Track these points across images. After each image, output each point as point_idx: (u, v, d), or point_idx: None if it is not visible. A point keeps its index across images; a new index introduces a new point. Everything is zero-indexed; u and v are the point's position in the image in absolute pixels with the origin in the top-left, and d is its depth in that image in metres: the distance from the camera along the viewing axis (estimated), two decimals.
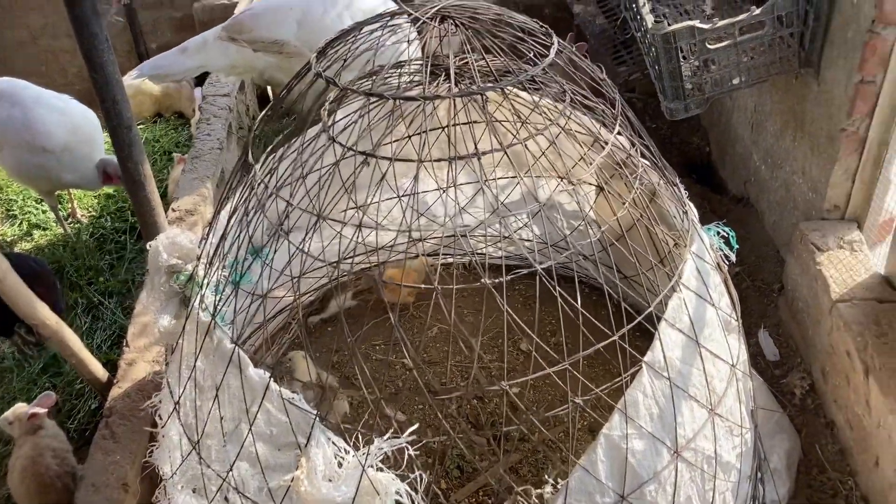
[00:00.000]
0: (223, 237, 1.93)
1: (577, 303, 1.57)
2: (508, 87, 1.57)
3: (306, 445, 1.55)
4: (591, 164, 1.89)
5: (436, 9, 1.63)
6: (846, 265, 2.58)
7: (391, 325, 2.97)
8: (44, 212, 3.93)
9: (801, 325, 2.75)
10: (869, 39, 2.42)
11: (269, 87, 4.58)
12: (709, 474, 1.67)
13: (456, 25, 1.61)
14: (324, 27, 3.37)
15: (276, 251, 2.16)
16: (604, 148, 1.93)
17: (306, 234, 1.73)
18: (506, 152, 1.55)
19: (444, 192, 2.42)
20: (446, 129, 1.56)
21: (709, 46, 2.65)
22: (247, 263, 2.06)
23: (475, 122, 1.92)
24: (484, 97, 1.58)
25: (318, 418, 1.56)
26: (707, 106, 2.85)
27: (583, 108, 1.85)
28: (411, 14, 1.62)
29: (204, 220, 3.06)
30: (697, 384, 1.65)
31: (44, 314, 2.22)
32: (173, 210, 3.04)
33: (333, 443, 1.55)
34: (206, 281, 1.87)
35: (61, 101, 3.53)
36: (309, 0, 3.46)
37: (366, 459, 1.50)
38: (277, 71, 3.55)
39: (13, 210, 4.05)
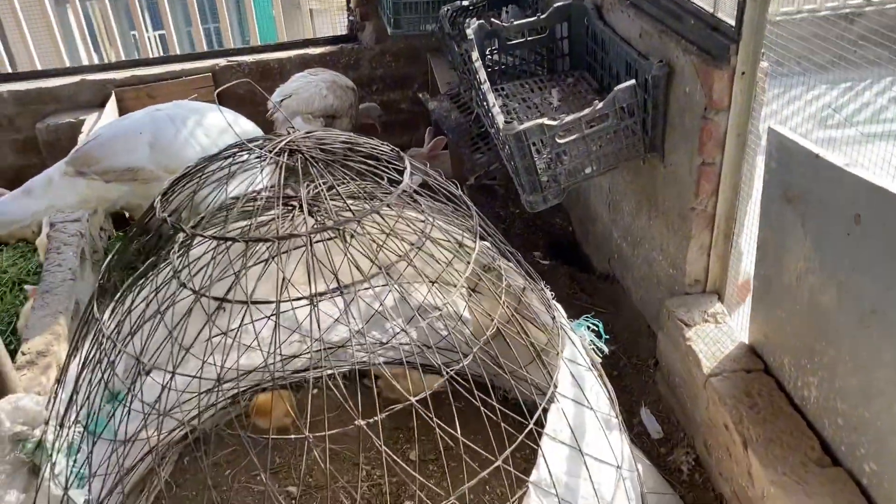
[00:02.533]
0: (75, 391, 1.79)
1: (457, 428, 1.53)
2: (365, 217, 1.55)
3: None
4: (457, 269, 1.90)
5: (284, 142, 1.59)
6: (713, 338, 2.67)
7: (271, 449, 2.84)
8: None
9: (680, 399, 2.81)
10: (704, 125, 2.58)
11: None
12: None
13: (306, 159, 1.57)
14: (177, 147, 3.29)
15: (133, 395, 2.03)
16: (467, 261, 1.94)
17: (163, 385, 1.61)
18: (368, 280, 1.51)
19: (313, 307, 2.35)
20: (307, 260, 1.51)
21: (559, 141, 2.74)
22: (105, 411, 1.91)
23: (332, 238, 1.89)
24: (342, 230, 1.55)
25: None
26: (564, 196, 2.93)
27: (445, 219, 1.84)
28: (256, 151, 1.58)
29: (58, 360, 2.84)
30: (586, 494, 1.63)
31: None
32: (23, 353, 2.81)
33: None
34: (57, 445, 1.71)
35: None
36: (157, 122, 3.37)
37: None
38: (133, 197, 3.42)
39: None
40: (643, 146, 2.87)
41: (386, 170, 1.65)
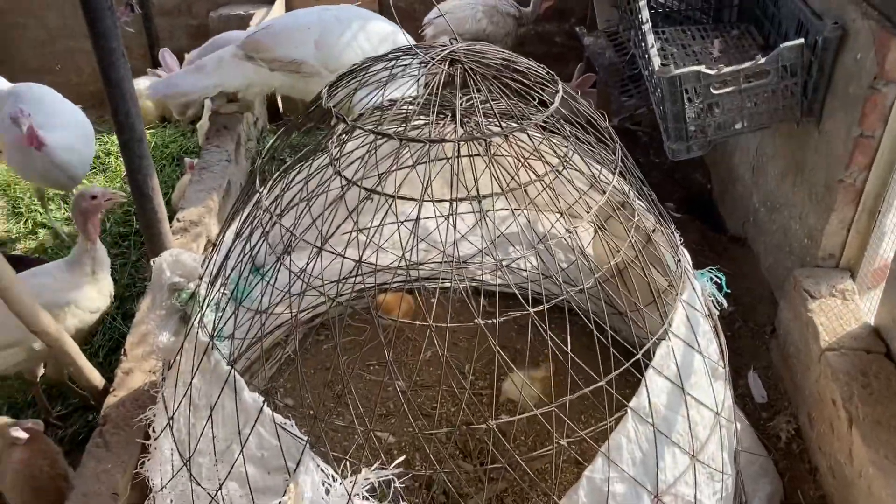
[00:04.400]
0: (227, 257, 1.97)
1: (567, 343, 1.61)
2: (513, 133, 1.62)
3: (295, 471, 1.59)
4: (589, 204, 1.95)
5: (446, 51, 1.67)
6: (837, 314, 2.61)
7: (385, 345, 3.02)
8: (49, 210, 3.98)
9: (791, 369, 2.79)
10: (870, 95, 2.47)
11: (278, 97, 4.63)
12: None
13: (465, 70, 1.65)
14: (340, 48, 3.43)
15: (278, 270, 2.21)
16: (603, 190, 1.98)
17: (308, 260, 1.77)
18: (506, 195, 1.59)
19: (445, 219, 2.47)
20: (450, 166, 1.61)
21: (713, 91, 2.70)
22: (249, 281, 2.10)
23: (477, 155, 1.97)
24: (488, 141, 1.63)
25: (308, 444, 1.59)
26: (709, 148, 2.89)
27: (585, 151, 1.89)
28: (421, 56, 1.67)
29: (208, 231, 3.10)
30: (681, 431, 1.69)
31: (45, 322, 2.26)
32: (178, 220, 3.08)
33: (322, 470, 1.59)
34: (207, 300, 1.91)
35: (62, 104, 3.60)
36: (325, 21, 3.52)
37: (353, 488, 1.54)
38: (291, 90, 3.61)
39: (19, 208, 4.10)
40: (800, 109, 2.78)
41: (539, 92, 1.70)
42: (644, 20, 2.99)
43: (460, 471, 2.41)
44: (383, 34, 3.53)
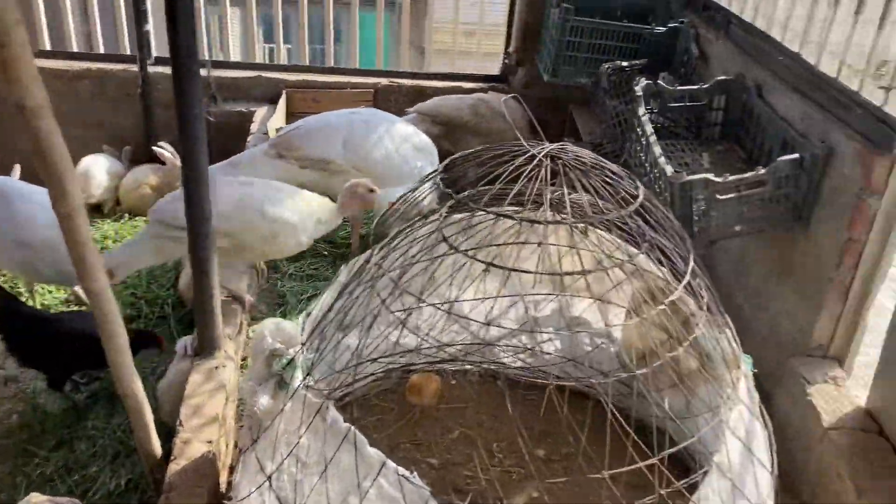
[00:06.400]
0: (321, 330, 2.14)
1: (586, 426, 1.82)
2: (614, 221, 1.88)
3: None
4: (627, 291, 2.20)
5: (548, 149, 1.94)
6: (832, 398, 2.91)
7: (413, 424, 3.15)
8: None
9: (789, 451, 3.04)
10: (857, 203, 2.85)
11: None
12: None
13: (563, 165, 1.92)
14: (366, 148, 3.70)
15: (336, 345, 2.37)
16: (643, 278, 2.24)
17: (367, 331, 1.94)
18: (607, 273, 1.82)
19: (481, 301, 2.68)
20: (547, 247, 1.84)
21: (718, 197, 3.05)
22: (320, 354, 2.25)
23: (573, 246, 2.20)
24: (594, 227, 1.88)
25: (431, 493, 1.74)
26: (710, 248, 3.22)
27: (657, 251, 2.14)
28: (529, 150, 1.93)
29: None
30: (750, 487, 1.90)
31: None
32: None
33: None
34: (308, 363, 2.05)
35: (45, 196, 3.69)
36: (352, 123, 3.79)
37: None
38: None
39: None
40: (790, 216, 3.16)
41: (624, 191, 1.97)
42: (649, 132, 3.37)
43: None
44: (405, 134, 3.82)
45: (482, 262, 1.84)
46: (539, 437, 3.05)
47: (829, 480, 2.74)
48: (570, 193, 1.85)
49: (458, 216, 2.05)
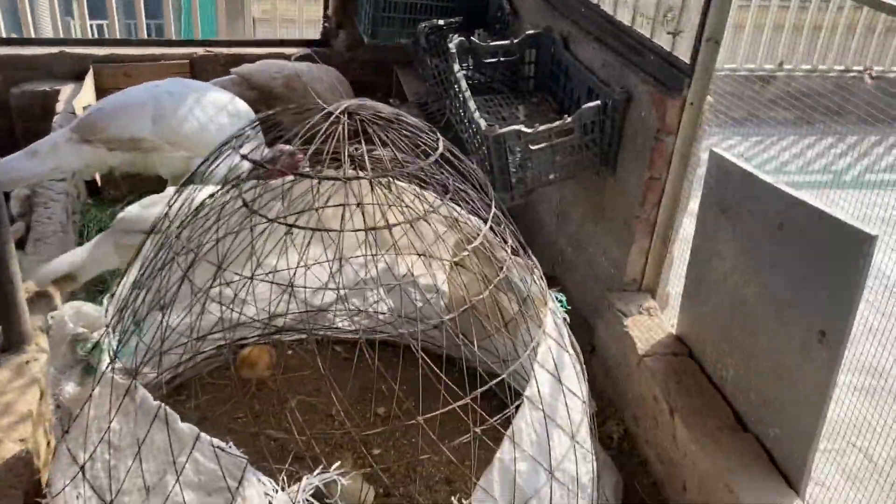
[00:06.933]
0: (124, 307, 2.05)
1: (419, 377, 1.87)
2: (412, 174, 1.90)
3: (237, 487, 1.71)
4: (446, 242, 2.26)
5: (344, 106, 1.93)
6: (647, 327, 3.12)
7: (250, 398, 3.11)
8: None
9: (613, 379, 3.25)
10: (655, 145, 3.04)
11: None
12: (573, 493, 2.01)
13: (361, 121, 1.92)
14: (178, 120, 3.54)
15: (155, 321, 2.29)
16: (460, 229, 2.30)
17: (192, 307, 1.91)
18: (412, 225, 1.85)
19: (307, 269, 2.68)
20: (361, 206, 1.85)
21: (531, 147, 3.16)
22: (128, 335, 2.17)
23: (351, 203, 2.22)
24: (394, 181, 1.89)
25: (248, 462, 1.72)
26: (528, 196, 3.35)
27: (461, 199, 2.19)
28: (324, 109, 1.91)
29: (56, 302, 3.04)
30: (562, 415, 2.01)
31: None
32: (25, 291, 2.99)
33: (263, 482, 1.72)
34: (122, 342, 1.98)
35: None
36: (158, 96, 3.62)
37: (297, 495, 1.69)
38: (132, 167, 3.65)
39: None
40: (598, 160, 3.32)
41: (424, 144, 2.00)
42: (464, 88, 3.43)
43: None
44: (220, 104, 3.69)
45: (284, 223, 1.82)
46: (379, 397, 3.09)
47: (646, 403, 2.94)
48: (370, 150, 1.86)
49: (253, 182, 2.02)
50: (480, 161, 3.38)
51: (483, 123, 3.17)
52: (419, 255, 2.72)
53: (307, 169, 2.05)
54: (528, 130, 3.11)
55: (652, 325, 3.14)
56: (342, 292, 3.06)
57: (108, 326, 2.00)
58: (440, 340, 2.92)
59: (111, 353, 1.94)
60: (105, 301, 2.12)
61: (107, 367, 1.91)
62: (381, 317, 3.13)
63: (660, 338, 3.07)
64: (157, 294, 2.07)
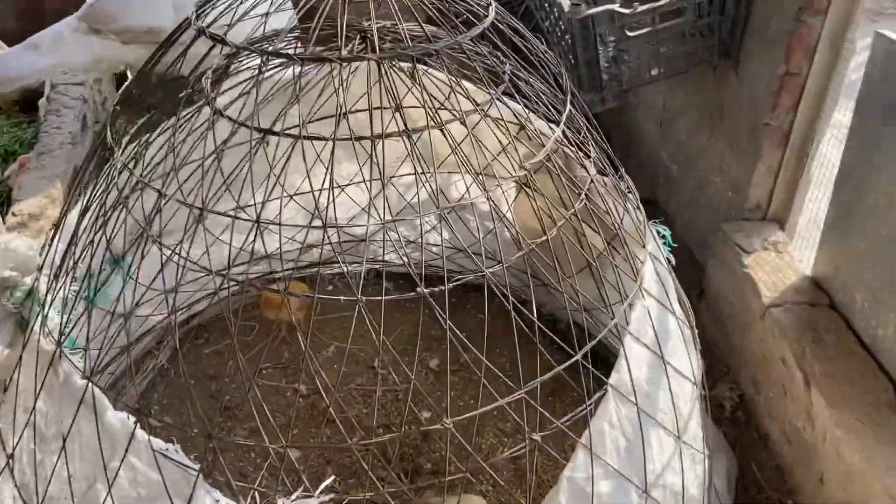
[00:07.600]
0: (73, 242, 1.53)
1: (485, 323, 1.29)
2: (443, 51, 1.27)
3: None
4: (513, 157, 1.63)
5: None
6: (774, 267, 2.43)
7: (279, 345, 2.61)
8: None
9: (727, 331, 2.59)
10: (795, 29, 2.30)
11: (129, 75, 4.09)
12: None
13: None
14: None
15: (143, 258, 1.77)
16: (530, 138, 1.67)
17: (184, 236, 1.36)
18: (443, 131, 1.24)
19: (341, 189, 2.11)
20: (365, 100, 1.24)
21: (628, 34, 2.46)
22: (104, 275, 1.66)
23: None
24: (414, 59, 1.27)
25: (200, 474, 1.19)
26: (623, 99, 2.66)
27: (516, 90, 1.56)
28: None
29: (52, 225, 2.59)
30: (665, 408, 1.40)
31: None
32: (14, 214, 2.55)
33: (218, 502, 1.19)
34: (49, 298, 1.46)
35: None
36: None
37: None
38: None
39: None
40: (716, 51, 2.59)
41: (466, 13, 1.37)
42: None
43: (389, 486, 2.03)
44: None
45: (259, 129, 1.23)
46: (429, 345, 2.54)
47: (772, 366, 2.29)
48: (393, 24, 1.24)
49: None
50: (564, 54, 2.69)
51: (566, 3, 2.47)
52: (477, 175, 2.10)
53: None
54: (625, 11, 2.41)
55: (781, 264, 2.45)
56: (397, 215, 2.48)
57: (39, 269, 1.48)
58: (503, 279, 2.34)
59: (41, 306, 1.43)
60: (48, 238, 1.60)
61: (32, 325, 1.40)
62: (434, 250, 2.54)
63: (791, 282, 2.38)
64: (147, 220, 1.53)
